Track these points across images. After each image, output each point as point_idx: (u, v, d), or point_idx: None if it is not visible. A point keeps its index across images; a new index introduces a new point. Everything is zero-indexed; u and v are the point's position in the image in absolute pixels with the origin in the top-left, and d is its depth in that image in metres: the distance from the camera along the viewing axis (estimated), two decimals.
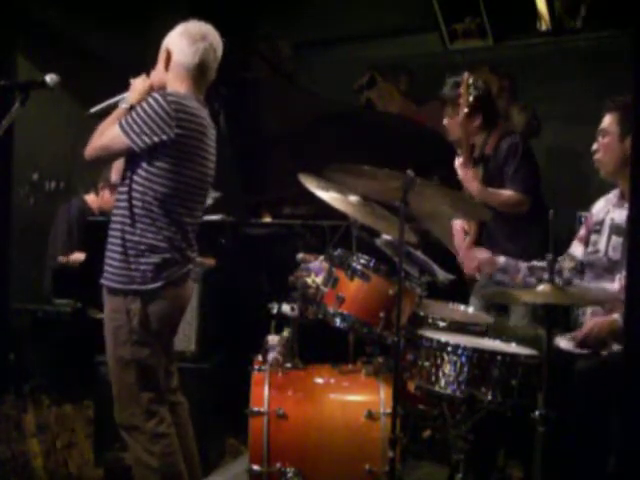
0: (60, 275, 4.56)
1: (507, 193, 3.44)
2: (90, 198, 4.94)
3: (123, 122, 2.55)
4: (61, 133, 5.21)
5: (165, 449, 2.60)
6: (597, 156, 2.83)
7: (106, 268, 2.65)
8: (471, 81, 3.41)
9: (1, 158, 4.58)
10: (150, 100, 2.54)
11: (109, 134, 2.57)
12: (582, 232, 2.97)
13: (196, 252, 2.75)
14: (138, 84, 2.72)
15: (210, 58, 2.70)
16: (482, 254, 3.05)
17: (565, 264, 2.97)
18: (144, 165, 2.57)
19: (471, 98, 3.41)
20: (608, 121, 2.80)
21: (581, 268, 2.90)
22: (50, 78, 2.46)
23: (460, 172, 3.50)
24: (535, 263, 3.01)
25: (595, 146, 2.83)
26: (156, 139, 2.52)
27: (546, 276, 2.82)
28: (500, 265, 3.02)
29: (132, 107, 2.61)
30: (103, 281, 2.66)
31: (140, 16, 5.31)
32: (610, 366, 2.49)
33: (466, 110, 3.43)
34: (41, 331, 4.71)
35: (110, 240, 2.64)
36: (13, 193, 4.90)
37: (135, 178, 2.59)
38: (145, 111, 2.53)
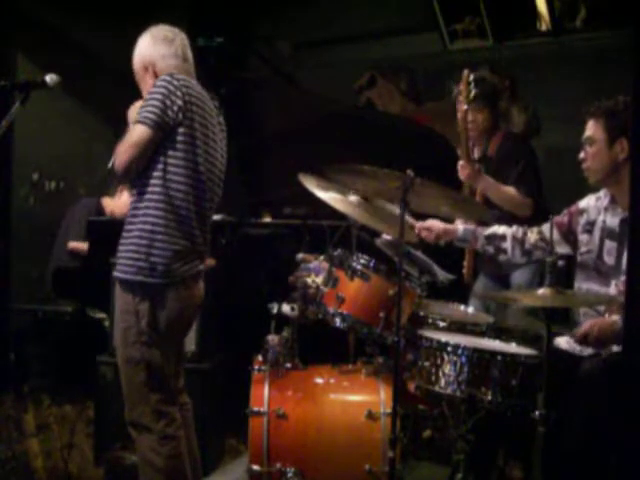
0: (60, 275, 4.56)
1: (513, 191, 3.45)
2: (105, 201, 4.92)
3: (139, 116, 2.54)
4: (61, 133, 5.21)
5: (172, 451, 2.60)
6: (585, 165, 2.80)
7: (118, 260, 2.63)
8: (471, 78, 3.41)
9: (1, 158, 4.58)
10: (158, 82, 2.55)
11: (132, 133, 2.54)
12: (563, 219, 2.94)
13: (208, 249, 2.75)
14: (132, 111, 2.71)
15: (188, 49, 2.76)
16: (438, 225, 3.06)
17: (531, 236, 2.97)
18: (160, 151, 2.56)
19: (472, 95, 3.42)
20: (593, 128, 2.76)
21: (550, 251, 2.89)
22: (50, 78, 2.47)
23: (463, 172, 3.50)
24: (494, 231, 3.04)
25: (582, 155, 2.80)
26: (170, 113, 2.51)
27: (504, 245, 3.00)
28: (459, 235, 3.06)
29: None
30: (114, 273, 2.65)
31: (140, 16, 5.31)
32: (613, 367, 2.49)
33: (465, 107, 3.44)
34: (41, 331, 4.71)
35: (124, 234, 2.63)
36: (13, 193, 4.91)
37: (153, 166, 2.57)
38: (156, 92, 2.53)
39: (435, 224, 3.06)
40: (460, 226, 3.07)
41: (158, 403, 2.61)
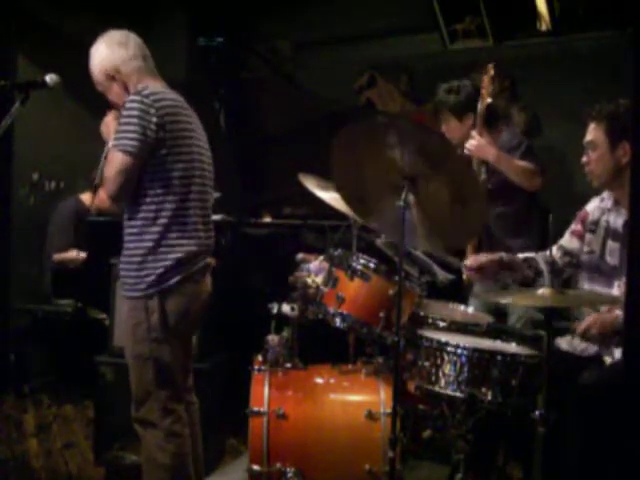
0: (60, 275, 4.56)
1: (523, 162, 3.44)
2: (85, 197, 4.94)
3: (115, 142, 2.54)
4: (61, 133, 5.21)
5: (178, 449, 2.61)
6: (588, 169, 2.80)
7: (124, 280, 2.66)
8: (493, 73, 3.39)
9: (1, 158, 4.58)
10: (128, 104, 2.54)
11: (113, 161, 2.54)
12: (577, 227, 2.94)
13: (212, 240, 2.77)
14: (104, 127, 2.73)
15: (144, 47, 2.75)
16: (483, 258, 2.97)
17: (556, 254, 2.96)
18: (148, 168, 2.58)
19: (491, 89, 3.40)
20: (595, 132, 2.76)
21: (577, 262, 2.90)
22: (50, 78, 2.47)
23: (474, 143, 3.46)
24: (527, 256, 2.98)
25: (585, 159, 2.81)
26: (149, 132, 2.51)
27: (540, 267, 2.91)
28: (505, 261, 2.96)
29: None
30: (124, 293, 2.67)
31: (141, 16, 5.31)
32: (614, 375, 2.48)
33: (489, 100, 3.41)
34: (41, 331, 4.71)
35: (125, 252, 2.65)
36: (13, 193, 4.91)
37: (143, 184, 2.59)
38: (129, 115, 2.52)
39: (480, 258, 2.96)
40: (502, 253, 2.98)
41: (166, 400, 2.62)
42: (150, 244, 2.58)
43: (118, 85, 2.68)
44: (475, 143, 3.44)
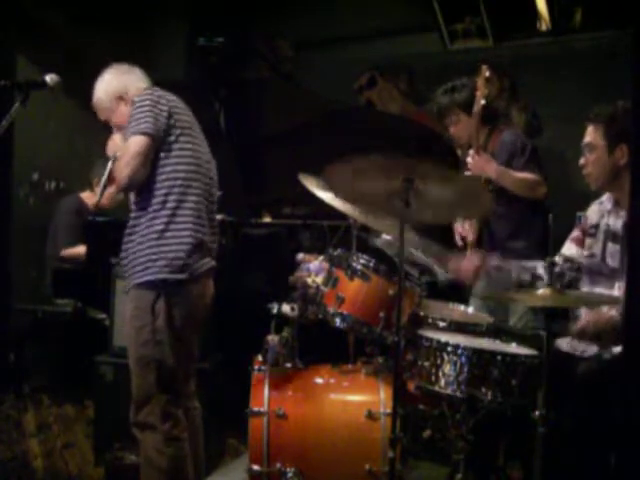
0: (60, 275, 4.56)
1: (525, 173, 3.45)
2: (85, 195, 4.95)
3: (131, 129, 2.60)
4: (61, 133, 5.21)
5: (176, 452, 2.62)
6: (586, 171, 2.81)
7: (132, 268, 2.65)
8: (488, 74, 3.40)
9: (1, 158, 4.58)
10: (138, 99, 2.64)
11: (128, 146, 2.60)
12: (577, 233, 2.95)
13: (216, 243, 2.80)
14: (117, 139, 2.78)
15: (147, 77, 2.89)
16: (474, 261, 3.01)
17: (558, 259, 2.96)
18: (157, 156, 2.63)
19: (486, 91, 3.41)
20: (593, 135, 2.77)
21: (577, 267, 2.90)
22: (50, 78, 2.48)
23: (473, 161, 3.47)
24: (524, 263, 3.00)
25: (582, 161, 2.81)
26: (161, 119, 2.61)
27: (540, 270, 2.90)
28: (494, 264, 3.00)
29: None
30: (131, 282, 2.67)
31: (141, 16, 5.31)
32: (612, 368, 2.49)
33: (483, 102, 3.42)
34: (41, 331, 4.71)
35: (132, 239, 2.66)
36: (13, 193, 4.91)
37: (153, 171, 2.63)
38: (141, 105, 2.62)
39: (474, 261, 3.01)
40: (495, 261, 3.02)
41: (166, 404, 2.62)
42: (161, 227, 2.61)
43: (126, 105, 2.76)
44: (474, 161, 3.46)
